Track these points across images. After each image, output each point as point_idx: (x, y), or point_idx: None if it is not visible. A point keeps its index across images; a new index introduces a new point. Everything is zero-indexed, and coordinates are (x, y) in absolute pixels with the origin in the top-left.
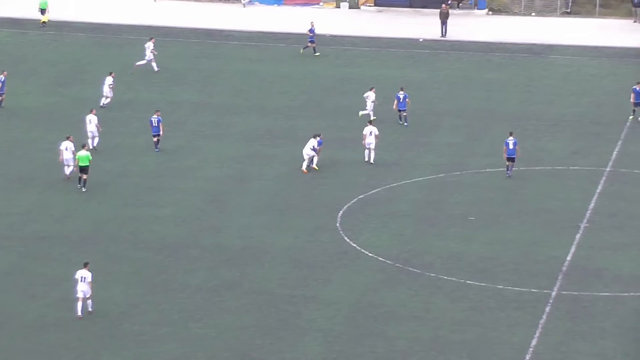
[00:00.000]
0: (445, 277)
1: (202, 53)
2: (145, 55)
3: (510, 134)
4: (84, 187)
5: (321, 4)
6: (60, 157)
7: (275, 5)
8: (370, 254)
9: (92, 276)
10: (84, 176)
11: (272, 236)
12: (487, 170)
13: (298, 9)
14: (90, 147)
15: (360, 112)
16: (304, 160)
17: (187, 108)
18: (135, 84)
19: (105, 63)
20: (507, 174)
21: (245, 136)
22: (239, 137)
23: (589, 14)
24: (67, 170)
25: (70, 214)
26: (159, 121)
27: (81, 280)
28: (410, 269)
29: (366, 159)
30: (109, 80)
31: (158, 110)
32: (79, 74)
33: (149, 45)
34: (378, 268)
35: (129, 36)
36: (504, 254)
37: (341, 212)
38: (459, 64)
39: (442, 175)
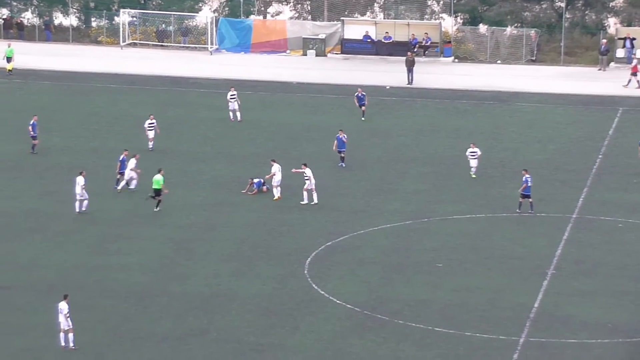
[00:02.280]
0: (414, 324)
1: (168, 100)
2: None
3: (526, 171)
4: (156, 207)
5: (288, 51)
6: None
7: (242, 52)
8: (338, 301)
9: (68, 309)
10: (157, 198)
11: (240, 284)
12: (454, 217)
13: (265, 56)
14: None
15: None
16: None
17: (153, 156)
18: (101, 132)
19: (71, 111)
20: (530, 211)
21: (212, 183)
22: (206, 184)
23: (554, 61)
24: (77, 205)
25: (37, 262)
26: (123, 160)
27: (59, 312)
28: (378, 316)
29: (305, 201)
30: (147, 121)
31: (126, 150)
32: (45, 122)
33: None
34: (346, 315)
35: (95, 84)
36: (472, 301)
37: (309, 259)
38: (426, 111)
39: (409, 222)
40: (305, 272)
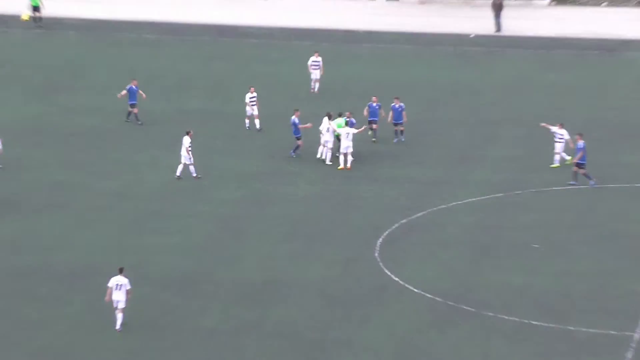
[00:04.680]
0: (505, 317)
1: (213, 54)
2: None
3: (580, 136)
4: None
5: None
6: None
7: None
8: (415, 290)
9: (129, 282)
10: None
11: (299, 268)
12: (553, 188)
13: (327, 2)
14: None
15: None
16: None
17: (197, 118)
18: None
19: (101, 66)
20: (572, 183)
21: (266, 150)
22: (259, 151)
23: None
24: (191, 170)
25: (61, 243)
26: (295, 123)
27: (116, 289)
28: (464, 307)
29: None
30: (248, 94)
31: (297, 110)
32: (70, 79)
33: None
34: (425, 307)
35: (130, 34)
36: (576, 288)
37: (380, 239)
38: (517, 63)
39: (500, 194)
40: (376, 254)
